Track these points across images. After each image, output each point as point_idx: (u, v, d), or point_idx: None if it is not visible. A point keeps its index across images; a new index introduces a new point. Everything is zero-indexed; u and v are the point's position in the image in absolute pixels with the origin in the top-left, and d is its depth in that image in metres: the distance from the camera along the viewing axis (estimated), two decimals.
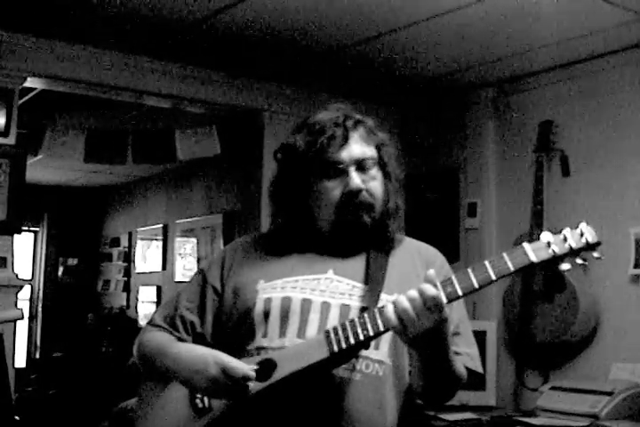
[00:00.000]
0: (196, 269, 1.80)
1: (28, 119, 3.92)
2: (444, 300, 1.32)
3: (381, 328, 1.37)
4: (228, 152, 4.48)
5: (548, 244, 1.35)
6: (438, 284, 1.33)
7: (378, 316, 1.36)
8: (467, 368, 1.56)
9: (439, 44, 3.50)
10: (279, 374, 1.38)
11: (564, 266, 1.37)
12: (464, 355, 1.58)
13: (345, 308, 1.49)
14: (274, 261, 1.59)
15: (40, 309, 7.85)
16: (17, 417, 3.40)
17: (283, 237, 1.62)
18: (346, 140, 1.55)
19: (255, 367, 1.39)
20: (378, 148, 1.61)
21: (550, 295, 3.45)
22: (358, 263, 1.58)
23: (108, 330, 7.02)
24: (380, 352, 1.50)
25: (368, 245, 1.59)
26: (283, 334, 1.47)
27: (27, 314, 7.40)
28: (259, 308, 1.50)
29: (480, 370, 1.62)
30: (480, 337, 3.59)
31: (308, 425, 1.42)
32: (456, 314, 1.60)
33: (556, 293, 3.44)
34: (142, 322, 6.97)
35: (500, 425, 3.25)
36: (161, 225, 6.98)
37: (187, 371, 1.45)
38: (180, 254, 6.56)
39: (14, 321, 3.18)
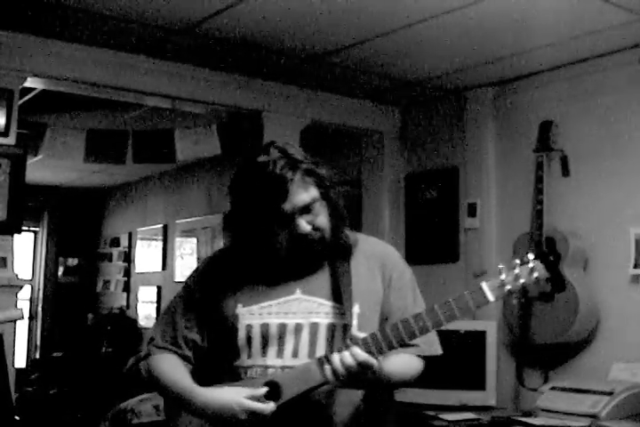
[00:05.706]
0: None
1: (28, 119, 3.92)
2: (396, 346, 1.56)
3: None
4: (228, 152, 4.48)
5: (502, 283, 1.55)
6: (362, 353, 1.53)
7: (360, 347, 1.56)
8: (425, 357, 1.74)
9: (439, 44, 3.50)
10: (287, 395, 1.60)
11: (514, 300, 1.53)
12: (420, 345, 1.70)
13: (314, 326, 1.69)
14: (247, 285, 1.74)
15: (40, 309, 7.85)
16: (17, 417, 3.40)
17: (247, 259, 1.75)
18: (287, 192, 1.63)
19: (265, 392, 1.60)
20: (316, 184, 1.69)
21: (550, 295, 3.45)
22: (322, 279, 1.74)
23: (108, 330, 7.01)
24: None
25: (328, 258, 1.74)
26: (264, 354, 1.69)
27: (27, 314, 7.40)
28: (241, 334, 1.70)
29: (439, 352, 1.77)
30: (480, 337, 3.60)
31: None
32: (400, 301, 1.75)
33: (556, 293, 3.44)
34: (142, 322, 6.97)
35: (500, 425, 3.24)
36: (161, 225, 6.98)
37: (216, 415, 1.61)
38: (180, 255, 6.57)
39: (14, 321, 3.18)
